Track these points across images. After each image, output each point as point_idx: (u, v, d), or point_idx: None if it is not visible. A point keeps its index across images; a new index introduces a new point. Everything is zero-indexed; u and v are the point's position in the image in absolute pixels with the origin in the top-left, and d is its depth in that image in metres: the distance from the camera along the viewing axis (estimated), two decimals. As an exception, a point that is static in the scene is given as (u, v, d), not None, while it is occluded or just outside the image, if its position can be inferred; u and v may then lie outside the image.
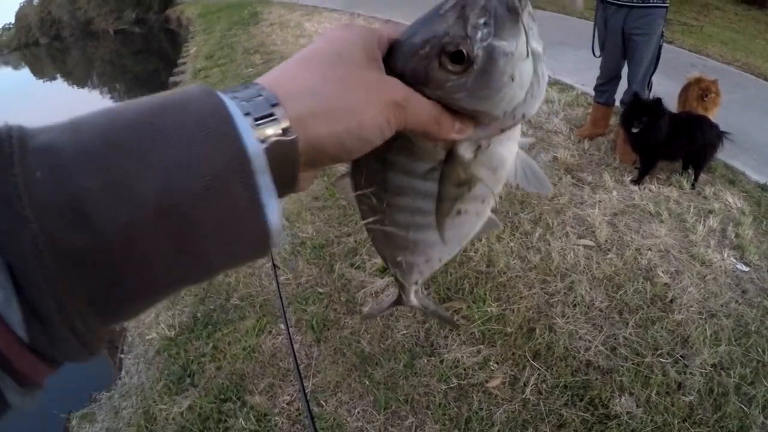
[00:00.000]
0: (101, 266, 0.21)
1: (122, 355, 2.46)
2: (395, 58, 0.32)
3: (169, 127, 0.22)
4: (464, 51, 0.29)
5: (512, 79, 0.30)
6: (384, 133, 0.30)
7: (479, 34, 0.29)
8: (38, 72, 20.31)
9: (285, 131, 0.26)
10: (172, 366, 2.21)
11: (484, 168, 0.35)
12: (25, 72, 20.87)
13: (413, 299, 0.51)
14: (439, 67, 0.30)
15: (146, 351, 2.40)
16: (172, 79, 7.52)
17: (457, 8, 0.30)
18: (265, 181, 0.24)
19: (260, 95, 0.26)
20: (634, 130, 2.77)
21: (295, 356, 0.91)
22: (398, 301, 0.53)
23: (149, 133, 0.22)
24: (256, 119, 0.25)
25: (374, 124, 0.29)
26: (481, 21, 0.29)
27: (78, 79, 16.65)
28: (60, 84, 15.72)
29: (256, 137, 0.24)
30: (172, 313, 2.52)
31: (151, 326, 2.53)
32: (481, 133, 0.33)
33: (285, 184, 0.27)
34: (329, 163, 0.31)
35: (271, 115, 0.25)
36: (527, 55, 0.30)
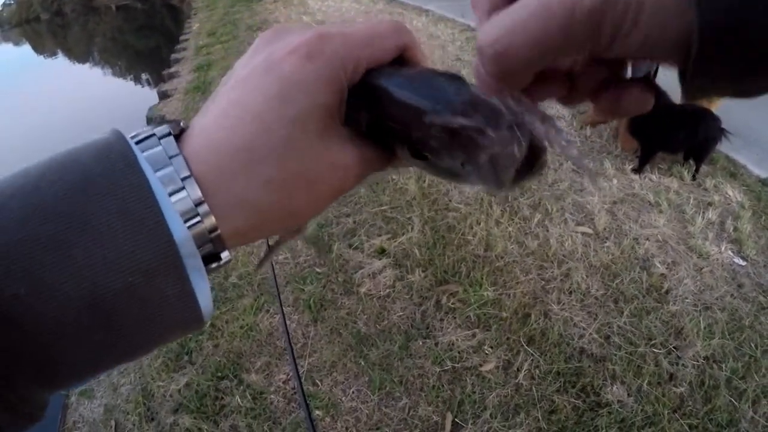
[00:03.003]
0: (30, 357, 0.21)
1: (120, 332, 2.48)
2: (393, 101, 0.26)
3: (89, 214, 0.21)
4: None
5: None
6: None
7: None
8: (39, 48, 20.16)
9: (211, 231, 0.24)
10: (169, 344, 2.23)
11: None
12: (26, 48, 20.69)
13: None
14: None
15: (144, 328, 2.42)
16: (173, 56, 7.40)
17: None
18: (195, 264, 0.23)
19: (186, 177, 0.23)
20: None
21: (290, 341, 0.93)
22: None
23: (72, 224, 0.20)
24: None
25: (314, 215, 0.27)
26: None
27: (79, 55, 16.54)
28: (61, 60, 15.59)
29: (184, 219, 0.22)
30: (170, 291, 2.53)
31: (149, 303, 2.55)
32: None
33: (217, 258, 0.25)
34: None
35: (196, 214, 0.23)
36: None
